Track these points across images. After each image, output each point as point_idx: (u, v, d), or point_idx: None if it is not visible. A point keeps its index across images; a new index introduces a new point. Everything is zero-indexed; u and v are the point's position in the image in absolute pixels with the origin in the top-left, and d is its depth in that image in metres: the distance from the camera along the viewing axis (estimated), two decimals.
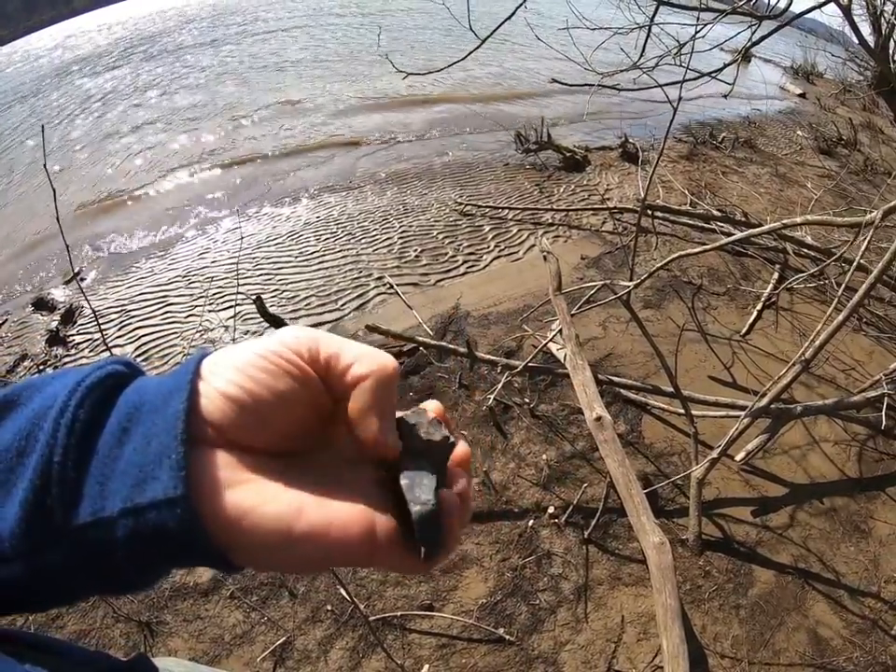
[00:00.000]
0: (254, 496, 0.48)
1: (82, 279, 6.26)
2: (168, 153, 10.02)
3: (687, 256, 4.28)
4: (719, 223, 6.41)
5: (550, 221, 7.38)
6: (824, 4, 4.15)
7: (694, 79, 4.57)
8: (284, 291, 5.98)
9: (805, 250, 6.15)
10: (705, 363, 5.23)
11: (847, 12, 3.81)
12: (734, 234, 5.07)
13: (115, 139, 11.05)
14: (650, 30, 4.97)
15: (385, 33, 15.84)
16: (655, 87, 4.52)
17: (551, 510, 3.85)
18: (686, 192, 7.93)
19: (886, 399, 4.30)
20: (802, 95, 17.27)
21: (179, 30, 21.19)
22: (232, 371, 0.52)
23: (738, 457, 4.22)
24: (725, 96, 5.45)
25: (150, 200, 8.49)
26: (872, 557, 3.91)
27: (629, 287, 4.08)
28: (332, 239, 6.87)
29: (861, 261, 3.57)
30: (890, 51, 12.58)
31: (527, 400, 4.59)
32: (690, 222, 7.09)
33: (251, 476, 0.49)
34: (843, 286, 3.38)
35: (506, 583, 3.48)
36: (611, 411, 4.51)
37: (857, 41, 4.49)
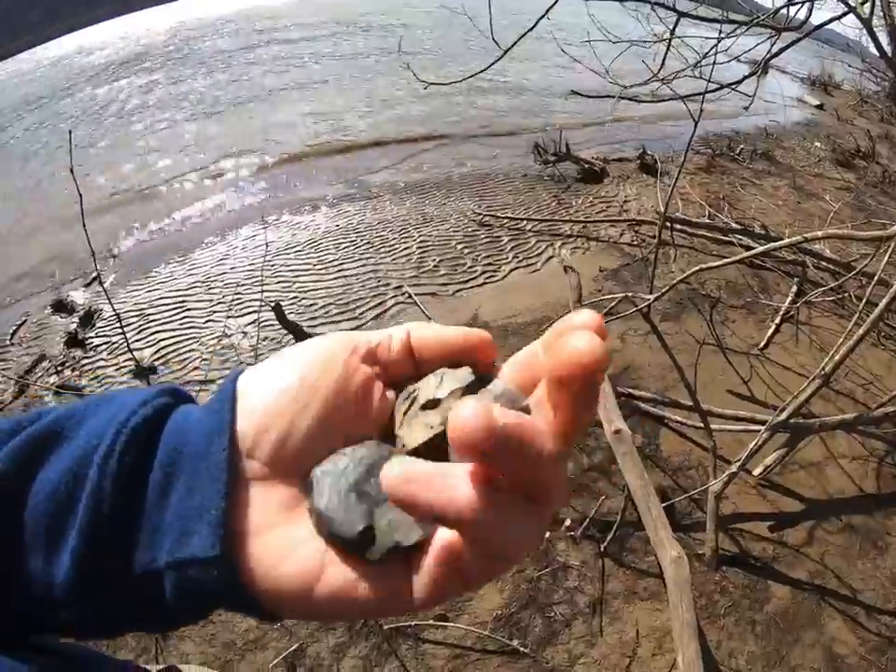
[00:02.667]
0: (279, 547, 0.47)
1: (102, 282, 6.35)
2: (192, 161, 10.15)
3: (708, 269, 4.28)
4: (737, 236, 6.39)
5: (568, 233, 7.38)
6: (843, 15, 4.14)
7: (715, 91, 4.58)
8: (302, 299, 6.01)
9: (824, 263, 6.13)
10: (723, 377, 5.21)
11: (867, 24, 3.80)
12: (753, 247, 5.07)
13: (142, 143, 11.28)
14: (670, 42, 4.98)
15: (406, 54, 15.87)
16: (675, 98, 4.53)
17: (567, 522, 3.84)
18: (704, 204, 7.90)
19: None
20: (819, 107, 17.20)
21: (212, 35, 21.54)
22: (273, 396, 0.51)
23: (756, 472, 4.21)
24: (746, 108, 5.44)
25: (171, 205, 8.57)
26: (889, 574, 3.87)
27: (650, 299, 4.09)
28: (351, 248, 6.91)
29: (882, 275, 3.55)
30: None
31: None
32: (708, 235, 7.06)
33: (284, 516, 0.49)
34: (864, 299, 3.35)
35: (521, 595, 3.48)
36: (628, 423, 4.49)
37: (877, 53, 4.46)
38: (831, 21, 4.82)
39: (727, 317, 5.99)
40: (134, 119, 12.96)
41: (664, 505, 3.53)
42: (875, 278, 3.53)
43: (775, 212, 8.59)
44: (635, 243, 7.22)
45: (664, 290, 4.26)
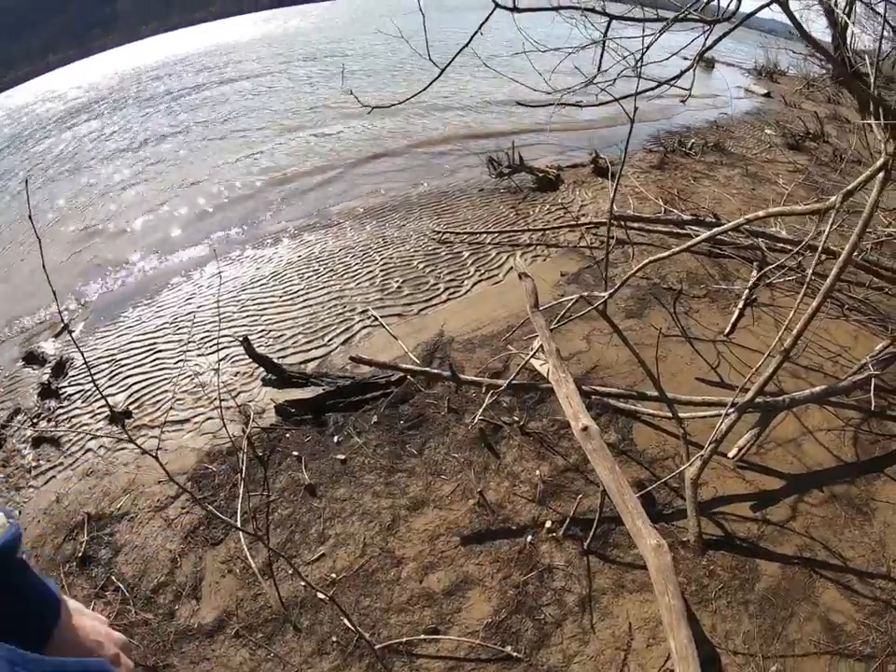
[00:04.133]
0: None
1: (71, 331, 6.30)
2: (152, 203, 10.16)
3: (657, 260, 4.32)
4: (692, 227, 6.48)
5: (528, 242, 7.49)
6: (769, 4, 4.23)
7: (651, 90, 4.65)
8: (271, 331, 6.03)
9: (782, 244, 6.23)
10: (691, 365, 5.26)
11: (787, 10, 3.88)
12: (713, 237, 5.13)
13: (102, 189, 11.30)
14: (604, 46, 5.04)
15: (341, 74, 16.17)
16: (612, 101, 4.59)
17: (548, 524, 3.86)
18: (659, 201, 8.02)
19: (873, 380, 4.36)
20: (767, 94, 17.51)
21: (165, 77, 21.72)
22: None
23: (731, 454, 4.26)
24: (683, 101, 5.52)
25: (135, 249, 8.56)
26: (878, 539, 3.91)
27: (604, 296, 4.14)
28: (315, 277, 6.95)
29: (831, 247, 3.62)
30: (849, 41, 12.77)
31: (517, 419, 4.63)
32: (664, 229, 7.17)
33: None
34: (810, 271, 3.43)
35: (509, 601, 3.48)
36: (601, 421, 4.57)
37: (805, 41, 4.56)
38: (759, 9, 4.92)
39: (691, 308, 6.07)
40: (92, 164, 13.05)
41: (640, 494, 3.56)
42: (819, 249, 3.60)
43: (729, 201, 8.74)
44: (594, 245, 7.32)
45: (617, 286, 4.31)
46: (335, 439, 4.58)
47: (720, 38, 4.90)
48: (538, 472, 4.22)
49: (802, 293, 3.52)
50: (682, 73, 5.14)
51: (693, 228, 6.51)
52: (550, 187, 9.22)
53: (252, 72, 21.28)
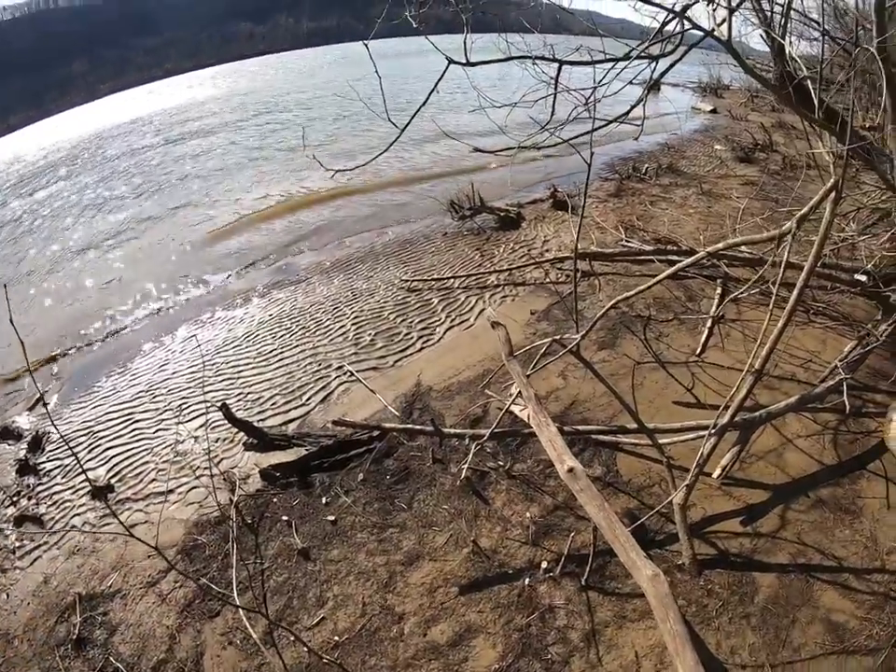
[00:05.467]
0: None
1: (45, 404, 6.22)
2: (118, 269, 10.14)
3: (625, 299, 4.44)
4: (657, 256, 6.61)
5: (495, 283, 7.58)
6: (704, 38, 4.38)
7: (602, 127, 4.78)
8: (248, 394, 6.01)
9: (744, 263, 6.38)
10: (667, 390, 5.34)
11: (728, 45, 4.02)
12: (674, 261, 5.23)
13: (66, 257, 11.25)
14: (556, 89, 5.14)
15: (302, 136, 16.34)
16: (573, 139, 4.70)
17: (544, 564, 3.88)
18: (619, 229, 8.18)
19: (845, 383, 4.50)
20: (713, 111, 17.99)
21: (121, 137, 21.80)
22: None
23: (715, 475, 4.31)
24: (636, 138, 5.65)
25: (105, 317, 8.50)
26: (868, 534, 4.00)
27: (576, 339, 4.24)
28: (288, 335, 6.97)
29: (793, 260, 3.73)
30: (787, 53, 13.11)
31: (502, 463, 4.67)
32: (629, 258, 7.30)
33: None
34: (775, 290, 3.53)
35: (514, 645, 3.48)
36: (585, 456, 4.63)
37: (743, 70, 4.71)
38: (695, 44, 5.09)
39: (661, 332, 6.17)
40: (51, 231, 13.08)
41: (632, 528, 3.58)
42: (780, 274, 3.70)
43: (687, 221, 8.93)
44: (560, 280, 7.42)
45: (588, 328, 4.44)
46: (323, 499, 4.57)
47: (665, 71, 5.05)
48: (528, 514, 4.24)
49: (769, 314, 3.62)
50: (632, 108, 5.28)
51: (656, 256, 6.64)
52: (512, 225, 9.38)
53: (209, 129, 21.45)
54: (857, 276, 6.07)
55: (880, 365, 5.43)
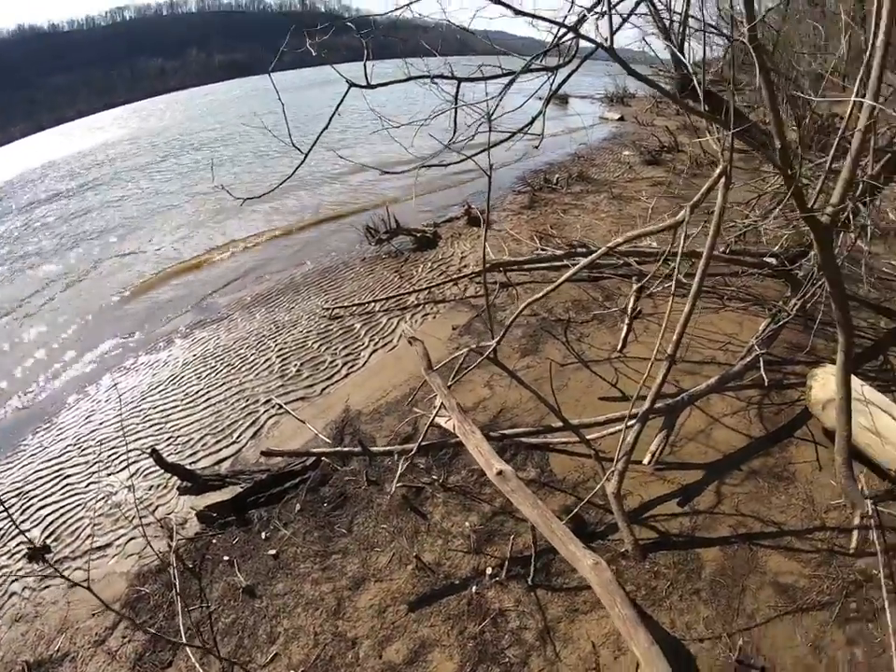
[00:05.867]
0: None
1: None
2: (36, 322, 9.81)
3: (533, 302, 4.56)
4: (567, 260, 6.77)
5: (416, 303, 7.63)
6: (594, 51, 4.53)
7: (504, 141, 4.88)
8: (178, 437, 5.89)
9: (653, 257, 6.58)
10: (592, 387, 5.47)
11: (615, 56, 4.15)
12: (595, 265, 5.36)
13: None
14: (456, 106, 5.21)
15: (212, 175, 16.23)
16: (473, 155, 4.78)
17: (489, 570, 3.90)
18: (534, 239, 8.35)
19: (761, 359, 4.67)
20: (621, 118, 18.56)
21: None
22: None
23: (646, 461, 4.41)
24: (537, 147, 5.78)
25: (25, 372, 8.24)
26: (804, 496, 4.18)
27: (492, 345, 4.31)
28: (213, 374, 6.87)
29: (697, 249, 3.88)
30: (688, 57, 13.65)
31: (436, 477, 4.68)
32: (544, 265, 7.48)
33: None
34: (673, 279, 3.66)
35: (471, 653, 3.48)
36: (517, 459, 4.69)
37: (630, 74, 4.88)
38: (588, 56, 5.26)
39: (582, 333, 6.32)
40: None
41: (566, 521, 3.64)
42: (678, 259, 3.86)
43: (599, 225, 9.18)
44: (479, 294, 7.50)
45: (501, 334, 4.51)
46: (263, 535, 4.50)
47: (562, 83, 5.16)
48: (467, 523, 4.27)
49: (670, 301, 3.75)
50: (533, 120, 5.38)
51: (570, 260, 6.80)
52: (429, 245, 9.48)
53: (121, 174, 21.06)
54: (766, 259, 6.33)
55: (797, 339, 5.72)
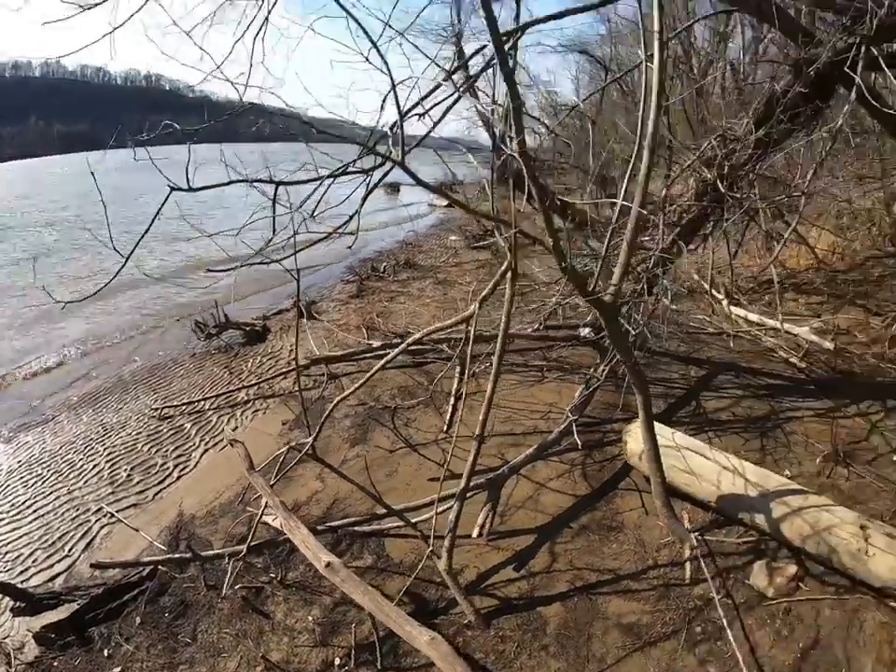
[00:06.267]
0: None
1: None
2: None
3: (343, 399, 4.92)
4: (386, 350, 7.10)
5: (245, 399, 7.66)
6: (386, 159, 4.91)
7: (317, 242, 5.16)
8: (6, 553, 5.53)
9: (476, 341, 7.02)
10: (421, 470, 5.74)
11: (405, 170, 4.46)
12: (411, 350, 5.65)
13: None
14: (274, 206, 5.37)
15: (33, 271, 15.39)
16: (285, 257, 5.00)
17: (337, 661, 3.95)
18: (361, 328, 8.65)
19: (574, 424, 5.18)
20: (449, 205, 19.41)
21: None
22: None
23: (475, 534, 4.68)
24: (350, 247, 6.03)
25: None
26: (635, 541, 4.58)
27: (309, 442, 4.55)
28: (40, 482, 6.52)
29: (481, 332, 4.28)
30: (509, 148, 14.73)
31: (273, 575, 4.68)
32: (370, 355, 7.78)
33: None
34: (467, 360, 4.02)
35: None
36: (354, 549, 4.84)
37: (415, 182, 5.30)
38: (387, 173, 5.71)
39: (409, 419, 6.60)
40: None
41: (396, 602, 3.87)
42: (470, 345, 4.47)
43: (424, 311, 9.63)
44: (308, 387, 7.65)
45: (317, 430, 4.77)
46: (105, 652, 4.30)
47: (377, 183, 5.51)
48: (310, 618, 4.30)
49: (457, 380, 4.08)
50: (348, 220, 5.70)
51: (389, 348, 7.12)
52: (258, 338, 9.56)
53: None
54: (581, 331, 6.96)
55: (612, 399, 6.33)
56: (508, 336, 4.56)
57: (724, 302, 8.32)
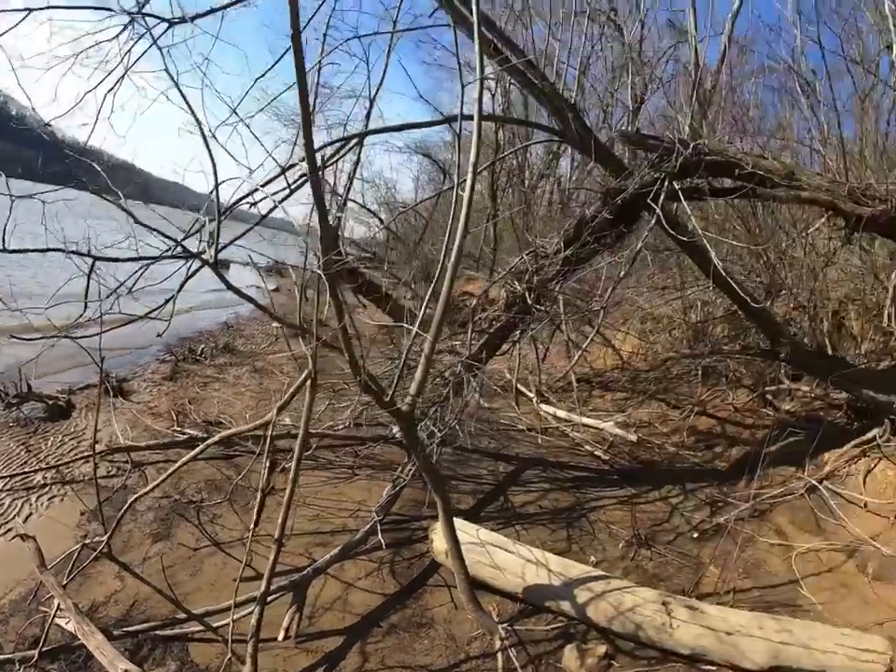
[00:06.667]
0: None
1: None
2: None
3: (137, 500, 4.94)
4: (195, 441, 6.93)
5: (43, 482, 6.97)
6: (200, 267, 4.92)
7: (126, 324, 5.01)
8: None
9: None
10: (226, 569, 5.43)
11: (214, 268, 4.46)
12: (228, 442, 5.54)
13: None
14: (88, 282, 5.16)
15: None
16: (108, 331, 4.83)
17: None
18: (172, 414, 8.29)
19: (378, 524, 5.22)
20: (276, 289, 19.35)
21: None
22: None
23: (280, 638, 4.49)
24: (160, 335, 5.89)
25: None
26: (446, 636, 4.61)
27: (104, 540, 4.33)
28: None
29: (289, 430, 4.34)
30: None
31: None
32: (170, 447, 7.53)
33: None
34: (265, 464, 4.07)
35: None
36: (156, 654, 4.48)
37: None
38: (230, 243, 5.72)
39: (215, 514, 6.31)
40: None
41: None
42: (266, 452, 4.53)
43: (238, 401, 9.46)
44: (112, 474, 7.16)
45: (111, 529, 4.56)
46: None
47: (196, 271, 5.46)
48: None
49: (271, 478, 4.08)
50: (162, 305, 5.62)
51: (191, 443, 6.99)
52: (62, 415, 8.87)
53: None
54: (393, 429, 7.07)
55: (423, 497, 6.38)
56: (317, 435, 4.55)
57: (535, 400, 8.84)
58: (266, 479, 5.33)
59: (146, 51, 6.18)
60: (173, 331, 13.34)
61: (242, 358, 11.71)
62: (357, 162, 16.54)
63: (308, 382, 4.30)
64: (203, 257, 3.95)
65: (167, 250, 4.76)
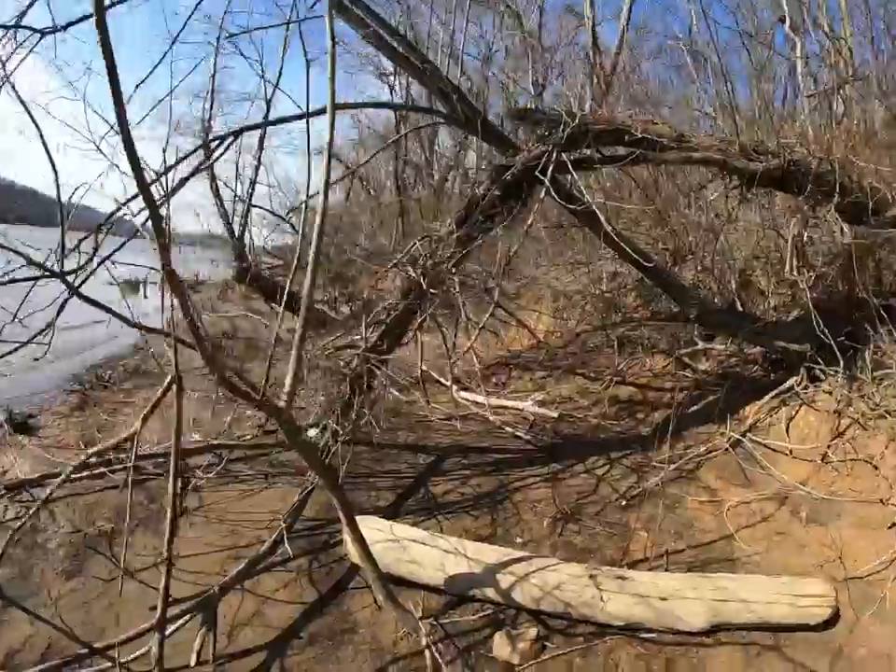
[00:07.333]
0: None
1: None
2: None
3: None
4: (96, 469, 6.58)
5: None
6: (98, 266, 4.68)
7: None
8: None
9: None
10: (144, 598, 5.01)
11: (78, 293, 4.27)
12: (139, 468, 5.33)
13: None
14: None
15: None
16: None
17: None
18: (81, 445, 7.93)
19: (283, 532, 5.14)
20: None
21: None
22: None
23: (193, 663, 4.30)
24: (37, 359, 5.69)
25: None
26: (370, 639, 4.55)
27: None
28: None
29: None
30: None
31: None
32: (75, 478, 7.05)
33: None
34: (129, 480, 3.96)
35: None
36: None
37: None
38: (98, 265, 5.48)
39: (128, 542, 5.75)
40: None
41: None
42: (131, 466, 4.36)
43: (153, 421, 8.91)
44: (20, 515, 6.63)
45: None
46: None
47: (70, 296, 5.21)
48: None
49: (176, 497, 3.91)
50: (37, 335, 5.36)
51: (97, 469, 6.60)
52: None
53: None
54: (308, 433, 6.90)
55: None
56: (218, 447, 4.33)
57: (452, 388, 8.80)
58: (175, 494, 5.15)
59: (21, 62, 5.90)
60: (80, 360, 12.90)
61: (153, 380, 11.22)
62: (257, 167, 16.32)
63: (174, 387, 4.07)
64: (54, 270, 3.72)
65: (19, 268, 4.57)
